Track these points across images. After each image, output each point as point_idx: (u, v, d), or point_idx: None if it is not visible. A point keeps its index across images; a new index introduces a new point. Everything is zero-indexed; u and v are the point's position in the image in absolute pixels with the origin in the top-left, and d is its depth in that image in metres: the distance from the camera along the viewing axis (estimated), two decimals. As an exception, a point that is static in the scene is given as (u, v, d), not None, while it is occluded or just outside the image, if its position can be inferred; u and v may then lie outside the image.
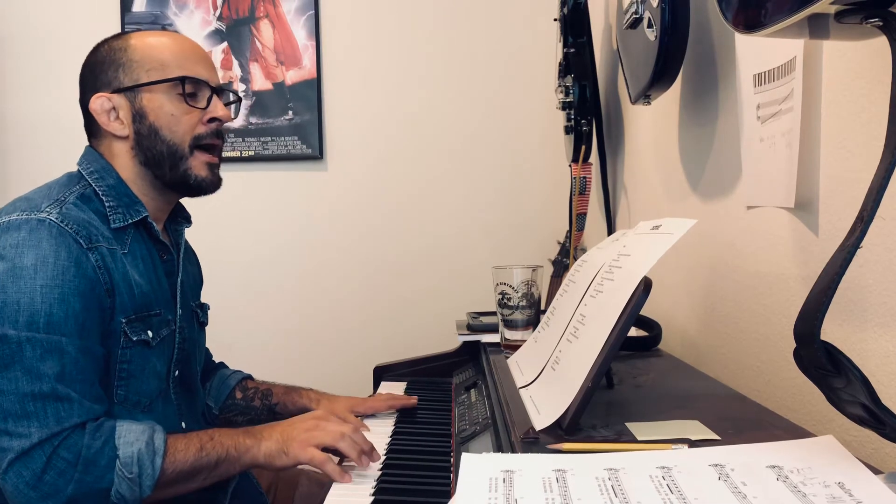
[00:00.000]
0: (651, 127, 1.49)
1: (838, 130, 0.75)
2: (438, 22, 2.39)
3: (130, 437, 0.89)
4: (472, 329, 1.43)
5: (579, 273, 0.94)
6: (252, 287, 2.44)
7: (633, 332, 1.24)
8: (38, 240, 0.89)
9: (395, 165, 2.42)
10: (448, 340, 1.54)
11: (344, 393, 1.28)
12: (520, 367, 0.98)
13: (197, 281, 1.26)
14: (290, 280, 2.44)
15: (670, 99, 1.31)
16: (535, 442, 0.70)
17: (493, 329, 1.36)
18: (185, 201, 1.16)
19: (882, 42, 0.51)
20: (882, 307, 0.68)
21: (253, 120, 2.41)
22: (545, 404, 0.76)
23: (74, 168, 1.05)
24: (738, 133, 0.99)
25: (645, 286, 0.70)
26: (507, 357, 1.10)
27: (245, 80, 2.41)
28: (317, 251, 2.44)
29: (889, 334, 0.67)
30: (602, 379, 0.73)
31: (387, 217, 2.43)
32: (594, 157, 1.74)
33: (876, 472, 0.54)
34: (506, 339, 1.21)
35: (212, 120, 1.07)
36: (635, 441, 0.67)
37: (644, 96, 1.20)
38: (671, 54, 1.07)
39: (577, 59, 1.65)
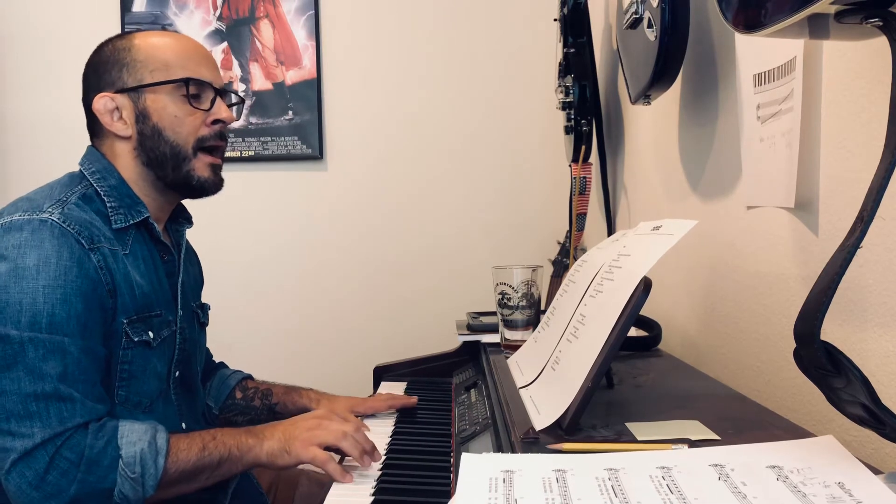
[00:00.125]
0: (651, 127, 1.49)
1: (838, 130, 0.75)
2: (438, 22, 2.39)
3: (133, 436, 0.89)
4: (472, 329, 1.43)
5: (579, 273, 0.94)
6: (252, 287, 2.44)
7: (633, 332, 1.24)
8: (40, 240, 0.89)
9: (395, 165, 2.42)
10: (448, 340, 1.54)
11: (344, 393, 1.28)
12: (520, 367, 0.98)
13: (198, 281, 1.26)
14: (290, 280, 2.44)
15: (670, 99, 1.31)
16: (535, 442, 0.70)
17: (493, 329, 1.36)
18: (186, 201, 1.16)
19: (882, 42, 0.51)
20: (882, 307, 0.68)
21: (253, 120, 2.41)
22: (545, 404, 0.76)
23: (74, 168, 1.05)
24: (738, 133, 0.99)
25: (645, 286, 0.70)
26: (507, 357, 1.10)
27: (245, 80, 2.41)
28: (317, 251, 2.44)
29: (889, 334, 0.67)
30: (602, 379, 0.73)
31: (387, 217, 2.43)
32: (594, 157, 1.74)
33: (876, 472, 0.54)
34: (506, 339, 1.21)
35: (215, 122, 1.07)
36: (635, 441, 0.67)
37: (644, 96, 1.20)
38: (671, 54, 1.07)
39: (577, 59, 1.65)
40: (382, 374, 1.45)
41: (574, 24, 1.66)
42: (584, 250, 1.71)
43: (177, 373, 1.08)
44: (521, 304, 1.19)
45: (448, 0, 2.38)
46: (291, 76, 2.41)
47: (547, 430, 0.71)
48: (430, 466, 0.95)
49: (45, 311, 0.87)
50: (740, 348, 1.02)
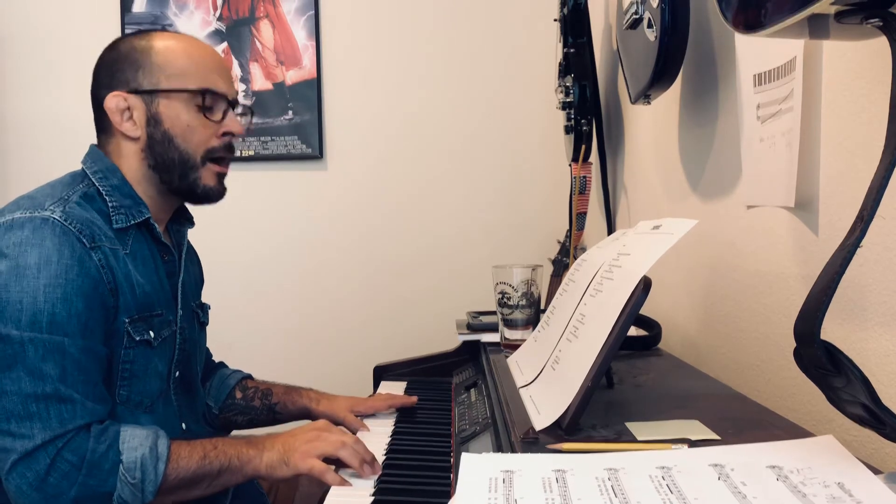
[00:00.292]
0: (651, 127, 1.49)
1: (838, 130, 0.75)
2: (438, 22, 2.39)
3: (134, 441, 0.89)
4: (471, 329, 1.43)
5: (579, 272, 0.94)
6: (252, 287, 2.44)
7: (633, 331, 1.24)
8: (41, 238, 0.89)
9: (395, 165, 2.42)
10: (448, 340, 1.54)
11: (344, 393, 1.28)
12: (520, 366, 0.98)
13: (198, 281, 1.26)
14: (290, 280, 2.44)
15: (670, 99, 1.31)
16: (534, 442, 0.70)
17: (493, 329, 1.36)
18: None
19: (882, 42, 0.51)
20: (882, 307, 0.68)
21: (253, 120, 2.41)
22: (545, 404, 0.76)
23: (74, 168, 1.05)
24: (738, 133, 0.99)
25: (644, 286, 0.70)
26: (507, 357, 1.10)
27: (245, 80, 2.41)
28: (317, 251, 2.44)
29: (889, 334, 0.67)
30: (602, 378, 0.73)
31: (387, 217, 2.43)
32: (594, 157, 1.74)
33: (876, 472, 0.54)
34: (506, 339, 1.21)
35: (225, 133, 1.07)
36: (635, 441, 0.67)
37: (644, 96, 1.20)
38: (671, 54, 1.07)
39: (577, 59, 1.65)
40: (382, 373, 1.45)
41: (574, 24, 1.66)
42: (584, 250, 1.71)
43: (177, 373, 1.08)
44: (520, 303, 1.19)
45: (448, 0, 2.38)
46: (291, 76, 2.41)
47: (547, 430, 0.71)
48: (430, 466, 0.95)
49: (46, 311, 0.87)
50: (740, 348, 1.02)
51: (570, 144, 1.70)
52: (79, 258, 0.90)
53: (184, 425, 1.09)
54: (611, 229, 1.80)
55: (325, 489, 0.90)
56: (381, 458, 0.99)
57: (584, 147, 1.64)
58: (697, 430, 0.69)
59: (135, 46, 1.04)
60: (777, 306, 0.91)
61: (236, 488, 1.11)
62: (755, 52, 0.92)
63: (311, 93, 2.40)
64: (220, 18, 2.41)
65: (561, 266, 1.90)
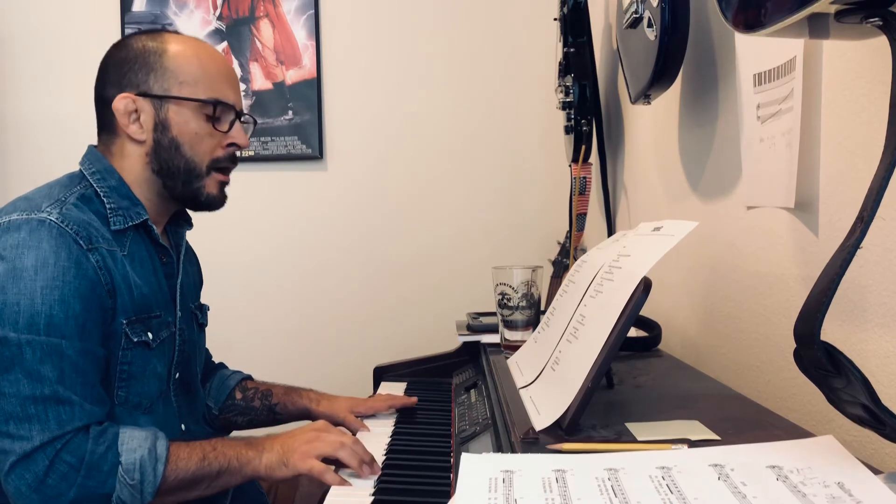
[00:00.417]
0: (651, 127, 1.49)
1: (838, 130, 0.75)
2: (438, 22, 2.39)
3: (133, 443, 0.89)
4: (472, 329, 1.43)
5: (579, 273, 0.94)
6: (252, 287, 2.44)
7: (633, 332, 1.24)
8: (38, 240, 0.89)
9: (395, 165, 2.42)
10: (448, 340, 1.54)
11: (344, 393, 1.28)
12: (520, 367, 0.98)
13: (196, 282, 1.25)
14: (290, 280, 2.44)
15: (670, 99, 1.31)
16: (534, 442, 0.70)
17: (493, 329, 1.36)
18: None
19: (882, 42, 0.51)
20: (882, 307, 0.68)
21: (255, 120, 2.41)
22: (545, 404, 0.76)
23: (74, 168, 1.04)
24: (738, 133, 0.99)
25: (645, 286, 0.70)
26: (507, 357, 1.10)
27: (245, 79, 2.41)
28: (317, 251, 2.44)
29: (889, 334, 0.67)
30: (602, 379, 0.73)
31: (387, 217, 2.43)
32: (594, 157, 1.74)
33: (876, 472, 0.54)
34: (506, 340, 1.21)
35: (230, 144, 1.07)
36: (635, 441, 0.67)
37: (644, 96, 1.20)
38: (671, 54, 1.07)
39: (577, 59, 1.65)
40: (382, 374, 1.45)
41: (574, 23, 1.66)
42: (584, 250, 1.72)
43: (177, 374, 1.08)
44: (521, 304, 1.19)
45: (448, 0, 2.38)
46: (291, 76, 2.41)
47: (547, 431, 0.71)
48: (430, 466, 0.95)
49: (43, 313, 0.87)
50: (740, 349, 1.02)
51: (570, 145, 1.70)
52: (76, 260, 0.90)
53: (183, 426, 1.09)
54: (611, 230, 1.80)
55: (324, 489, 0.90)
56: (381, 458, 0.99)
57: (584, 147, 1.64)
58: (697, 430, 0.69)
59: (147, 48, 1.03)
60: (777, 307, 0.91)
61: (236, 489, 1.11)
62: (755, 51, 0.92)
63: (311, 93, 2.40)
64: (219, 18, 2.41)
65: (561, 267, 1.90)
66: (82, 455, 0.86)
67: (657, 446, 0.64)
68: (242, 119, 1.10)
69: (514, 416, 0.79)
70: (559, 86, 1.73)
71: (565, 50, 1.68)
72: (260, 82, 2.42)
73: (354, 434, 1.10)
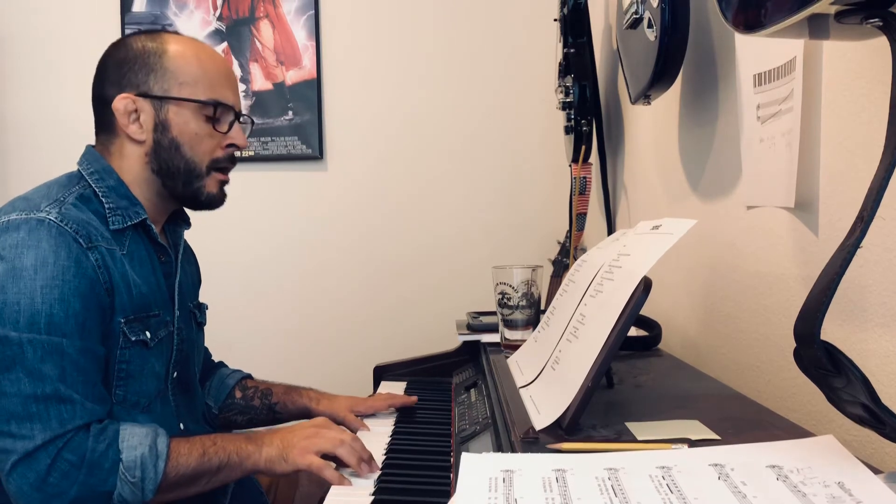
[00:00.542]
0: (651, 127, 1.49)
1: (838, 130, 0.75)
2: (438, 22, 2.39)
3: (134, 440, 0.90)
4: (472, 329, 1.43)
5: (579, 273, 0.94)
6: (252, 287, 2.44)
7: (633, 331, 1.24)
8: (37, 240, 0.89)
9: (395, 165, 2.42)
10: (448, 340, 1.54)
11: (344, 393, 1.28)
12: (520, 366, 0.98)
13: (195, 281, 1.26)
14: (290, 280, 2.44)
15: (670, 99, 1.31)
16: (534, 442, 0.70)
17: (493, 329, 1.36)
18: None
19: (882, 42, 0.51)
20: (882, 307, 0.68)
21: (253, 120, 2.41)
22: (545, 404, 0.76)
23: (74, 168, 1.05)
24: (738, 133, 0.99)
25: (645, 286, 0.70)
26: (507, 357, 1.10)
27: (245, 80, 2.41)
28: (317, 251, 2.44)
29: (889, 334, 0.67)
30: (602, 379, 0.73)
31: (387, 217, 2.43)
32: (594, 157, 1.74)
33: (876, 472, 0.54)
34: (506, 339, 1.21)
35: (230, 145, 1.08)
36: (635, 441, 0.67)
37: (644, 96, 1.20)
38: (671, 54, 1.07)
39: (577, 59, 1.65)
40: (382, 373, 1.45)
41: (574, 24, 1.66)
42: (584, 250, 1.71)
43: (175, 373, 1.08)
44: (521, 303, 1.19)
45: (448, 0, 2.38)
46: (291, 76, 2.41)
47: (547, 430, 0.71)
48: (430, 466, 0.95)
49: (44, 312, 0.87)
50: (740, 348, 1.02)
51: (570, 145, 1.70)
52: (75, 259, 0.90)
53: (181, 425, 1.09)
54: (611, 230, 1.80)
55: (324, 489, 0.90)
56: (380, 457, 0.99)
57: (584, 147, 1.64)
58: (697, 430, 0.69)
59: (147, 48, 1.03)
60: (777, 307, 0.91)
61: (235, 489, 1.11)
62: (755, 52, 0.92)
63: (311, 93, 2.40)
64: (219, 18, 2.41)
65: (561, 266, 1.90)
66: (83, 453, 0.86)
67: (657, 446, 0.64)
68: (241, 120, 1.11)
69: (514, 416, 0.79)
70: (559, 86, 1.74)
71: (565, 50, 1.68)
72: (260, 83, 2.42)
73: (355, 433, 1.10)
